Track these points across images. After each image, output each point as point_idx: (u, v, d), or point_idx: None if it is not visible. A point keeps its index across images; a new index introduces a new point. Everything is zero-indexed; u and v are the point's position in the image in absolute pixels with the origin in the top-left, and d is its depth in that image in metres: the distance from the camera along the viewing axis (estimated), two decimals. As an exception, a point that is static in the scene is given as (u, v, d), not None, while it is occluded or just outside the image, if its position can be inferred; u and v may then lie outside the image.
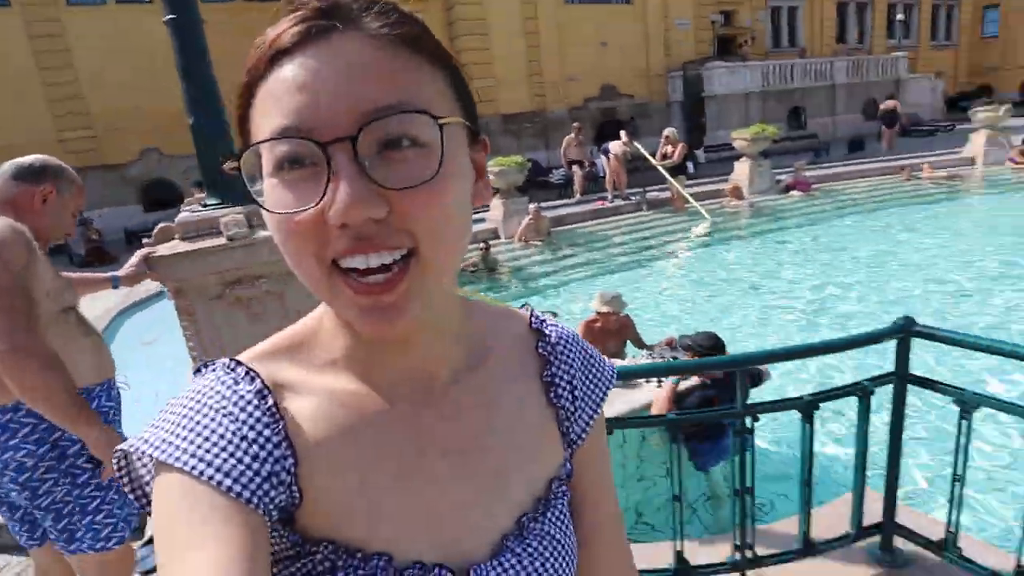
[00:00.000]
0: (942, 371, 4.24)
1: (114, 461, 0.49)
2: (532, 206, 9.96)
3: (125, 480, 0.50)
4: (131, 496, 0.50)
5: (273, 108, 0.42)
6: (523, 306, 0.66)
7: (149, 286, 7.93)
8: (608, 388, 0.65)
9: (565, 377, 0.62)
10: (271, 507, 0.45)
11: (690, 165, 14.11)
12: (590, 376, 0.64)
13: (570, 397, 0.62)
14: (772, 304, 7.09)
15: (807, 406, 1.90)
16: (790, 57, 23.10)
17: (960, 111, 18.46)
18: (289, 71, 0.42)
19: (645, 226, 11.11)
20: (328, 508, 0.49)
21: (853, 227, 10.34)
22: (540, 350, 0.62)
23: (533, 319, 0.64)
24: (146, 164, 16.40)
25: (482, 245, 8.94)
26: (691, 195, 11.53)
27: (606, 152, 12.28)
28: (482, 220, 10.78)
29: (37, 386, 1.62)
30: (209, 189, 2.97)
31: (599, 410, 0.64)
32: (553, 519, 0.58)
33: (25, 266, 1.67)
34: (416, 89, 0.43)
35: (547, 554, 0.55)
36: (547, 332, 0.63)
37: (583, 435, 0.63)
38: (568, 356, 0.63)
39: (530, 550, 0.55)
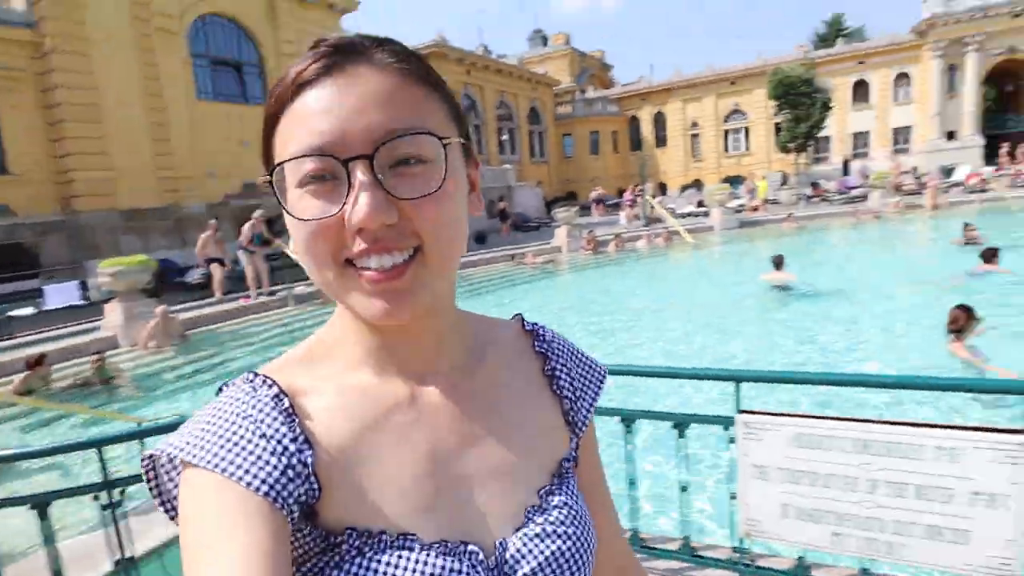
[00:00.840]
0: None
1: (142, 467, 0.51)
2: (159, 308, 9.13)
3: (154, 490, 0.51)
4: (160, 507, 0.52)
5: (299, 130, 0.49)
6: (514, 316, 0.71)
7: None
8: (602, 383, 0.71)
9: (564, 370, 0.67)
10: (291, 501, 0.48)
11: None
12: (583, 370, 0.69)
13: (571, 387, 0.67)
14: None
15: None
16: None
17: (555, 211, 23.65)
18: (313, 99, 0.49)
19: (294, 320, 11.13)
20: (349, 496, 0.51)
21: (478, 305, 12.18)
22: (538, 348, 0.67)
23: (526, 324, 0.70)
24: None
25: (95, 357, 7.71)
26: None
27: (240, 247, 11.97)
28: (96, 329, 9.41)
29: None
30: None
31: (596, 401, 0.70)
32: (569, 491, 0.61)
33: None
34: (422, 114, 0.51)
35: (568, 522, 0.58)
36: (541, 333, 0.69)
37: (585, 423, 0.67)
38: (562, 352, 0.68)
39: (551, 518, 0.57)
